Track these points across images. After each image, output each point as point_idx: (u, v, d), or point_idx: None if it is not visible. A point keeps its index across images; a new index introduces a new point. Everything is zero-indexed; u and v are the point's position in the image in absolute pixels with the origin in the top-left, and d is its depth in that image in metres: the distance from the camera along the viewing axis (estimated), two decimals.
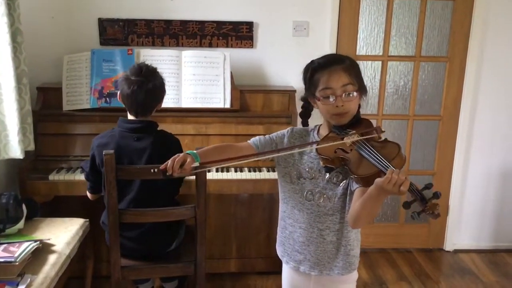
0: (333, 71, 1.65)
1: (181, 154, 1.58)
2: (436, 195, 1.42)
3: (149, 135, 2.32)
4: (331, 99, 1.65)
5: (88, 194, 2.49)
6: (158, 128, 2.40)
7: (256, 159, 1.79)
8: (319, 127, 1.81)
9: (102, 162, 2.26)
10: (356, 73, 1.68)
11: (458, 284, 3.24)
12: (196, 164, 1.58)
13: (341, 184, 1.72)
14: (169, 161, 1.56)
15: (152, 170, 1.62)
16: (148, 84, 2.25)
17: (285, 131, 1.85)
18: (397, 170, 1.43)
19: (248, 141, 1.85)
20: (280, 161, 1.82)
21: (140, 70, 2.27)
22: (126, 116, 2.37)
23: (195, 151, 1.64)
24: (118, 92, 2.34)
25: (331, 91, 1.64)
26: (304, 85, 1.76)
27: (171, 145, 2.38)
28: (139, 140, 2.30)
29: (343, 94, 1.64)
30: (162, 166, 1.56)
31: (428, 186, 1.45)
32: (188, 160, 1.57)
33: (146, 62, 2.38)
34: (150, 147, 2.29)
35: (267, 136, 1.85)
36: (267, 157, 1.69)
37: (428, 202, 1.42)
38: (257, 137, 1.85)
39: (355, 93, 1.65)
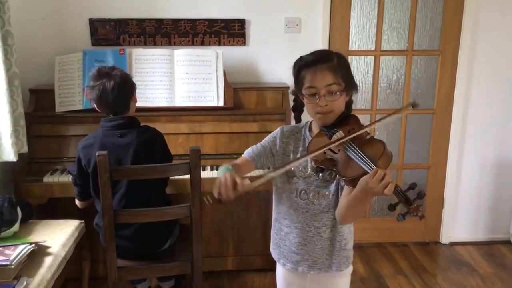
0: (318, 70, 1.64)
1: (227, 176, 1.51)
2: (420, 196, 1.43)
3: (132, 131, 2.33)
4: (315, 98, 1.64)
5: (77, 202, 2.49)
6: (145, 125, 2.42)
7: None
8: (310, 123, 1.81)
9: (88, 164, 2.28)
10: (343, 72, 1.66)
11: (454, 276, 3.25)
12: (248, 182, 1.52)
13: (334, 180, 1.72)
14: (218, 187, 1.50)
15: (206, 201, 1.54)
16: (110, 83, 2.27)
17: (275, 133, 1.84)
18: (381, 171, 1.42)
19: (243, 155, 1.85)
20: (276, 164, 1.82)
21: (97, 74, 2.31)
22: None
23: (230, 167, 1.63)
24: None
25: (315, 90, 1.64)
26: (293, 80, 1.76)
27: (155, 139, 2.40)
28: (123, 136, 2.32)
29: (327, 94, 1.63)
30: (214, 194, 1.52)
31: (412, 187, 1.46)
32: (238, 180, 1.50)
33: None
34: (135, 142, 2.31)
35: (259, 144, 1.85)
36: (270, 177, 1.57)
37: (412, 204, 1.42)
38: (250, 149, 1.85)
39: (339, 93, 1.64)
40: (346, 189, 1.63)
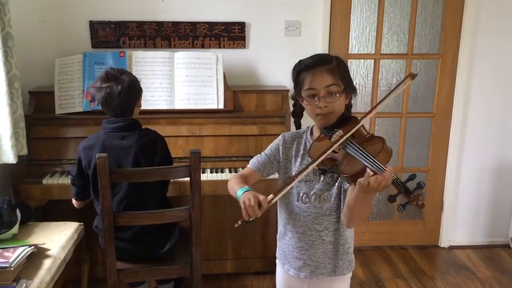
0: (317, 72, 1.65)
1: (250, 197, 1.55)
2: (420, 186, 1.42)
3: (133, 133, 2.33)
4: (315, 100, 1.65)
5: (74, 202, 2.49)
6: (146, 127, 2.42)
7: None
8: (311, 128, 1.82)
9: (88, 165, 2.28)
10: (342, 74, 1.67)
11: (454, 280, 3.25)
12: (271, 196, 1.57)
13: (336, 183, 1.72)
14: (245, 209, 1.54)
15: (235, 225, 1.59)
16: (118, 87, 2.28)
17: (278, 140, 1.85)
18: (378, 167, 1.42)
19: (248, 165, 1.86)
20: (280, 170, 1.84)
21: (106, 76, 2.31)
22: None
23: (246, 187, 1.64)
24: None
25: (315, 92, 1.65)
26: (293, 84, 1.77)
27: (156, 142, 2.40)
28: (124, 138, 2.32)
29: (327, 95, 1.64)
30: (244, 217, 1.55)
31: (412, 177, 1.45)
32: (262, 198, 1.54)
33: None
34: (135, 145, 2.31)
35: (263, 154, 1.86)
36: (289, 188, 1.64)
37: (411, 194, 1.41)
38: (254, 159, 1.86)
39: (338, 94, 1.65)
40: (350, 190, 1.62)
